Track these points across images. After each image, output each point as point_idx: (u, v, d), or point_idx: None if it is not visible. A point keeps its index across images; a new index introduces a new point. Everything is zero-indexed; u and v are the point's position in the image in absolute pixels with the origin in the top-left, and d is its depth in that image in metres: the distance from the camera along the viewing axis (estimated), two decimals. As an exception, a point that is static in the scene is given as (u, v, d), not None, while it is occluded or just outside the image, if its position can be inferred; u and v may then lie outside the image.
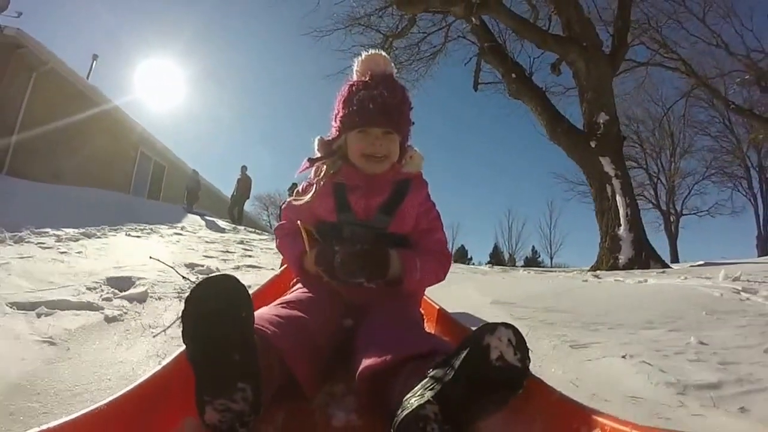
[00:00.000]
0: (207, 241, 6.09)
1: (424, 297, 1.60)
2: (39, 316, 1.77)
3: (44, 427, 0.63)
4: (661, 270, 6.22)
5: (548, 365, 1.55)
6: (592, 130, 8.44)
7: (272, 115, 69.60)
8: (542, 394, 0.87)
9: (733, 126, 18.88)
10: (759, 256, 16.71)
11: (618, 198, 7.92)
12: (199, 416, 0.79)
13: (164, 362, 0.90)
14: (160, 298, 2.34)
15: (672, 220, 23.18)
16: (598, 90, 8.59)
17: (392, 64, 1.43)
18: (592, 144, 8.22)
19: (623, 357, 1.57)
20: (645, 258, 7.58)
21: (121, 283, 2.50)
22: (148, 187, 16.47)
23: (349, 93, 1.35)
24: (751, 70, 14.21)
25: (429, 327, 1.58)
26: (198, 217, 11.43)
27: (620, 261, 7.59)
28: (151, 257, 3.20)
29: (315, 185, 1.39)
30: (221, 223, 11.44)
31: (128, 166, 15.23)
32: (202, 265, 3.63)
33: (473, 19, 9.56)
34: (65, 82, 11.71)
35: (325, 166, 1.40)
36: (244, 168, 14.64)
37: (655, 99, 19.41)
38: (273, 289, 1.62)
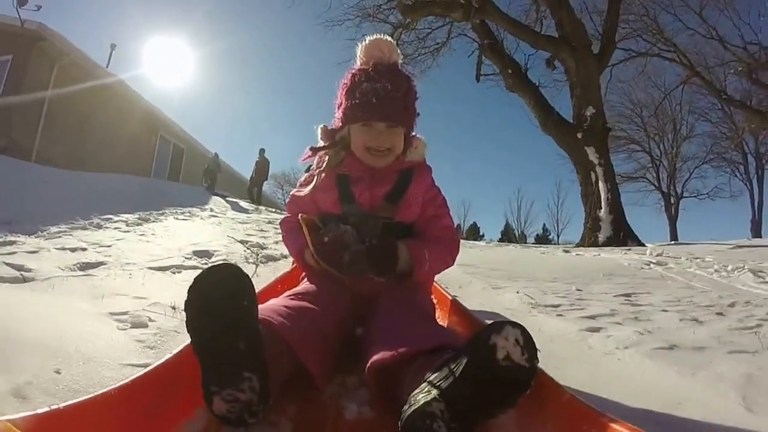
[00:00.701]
0: (239, 222, 7.22)
1: (437, 287, 1.65)
2: (173, 273, 2.85)
3: (54, 407, 0.64)
4: (628, 248, 7.29)
5: (473, 298, 2.61)
6: (579, 123, 9.42)
7: (287, 95, 70.62)
8: (553, 395, 0.87)
9: (732, 113, 19.48)
10: (753, 237, 17.57)
11: (600, 184, 8.95)
12: (207, 407, 0.80)
13: (173, 351, 0.91)
14: (236, 262, 3.45)
15: (672, 202, 24.14)
16: (586, 86, 9.52)
17: (397, 51, 1.41)
18: (579, 135, 9.22)
19: (517, 292, 2.63)
20: (623, 237, 8.64)
21: (205, 255, 3.59)
22: (168, 169, 17.22)
23: (352, 84, 1.33)
24: (743, 63, 14.86)
25: (441, 317, 1.64)
26: (220, 199, 12.58)
27: (600, 239, 8.67)
28: (228, 236, 4.32)
29: (316, 177, 1.41)
30: (243, 203, 12.57)
31: (149, 150, 16.16)
32: (251, 241, 4.67)
33: (472, 21, 10.48)
34: (86, 72, 12.38)
35: (327, 157, 1.40)
36: (262, 151, 15.86)
37: (659, 85, 20.05)
38: (284, 283, 1.64)
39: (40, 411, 0.62)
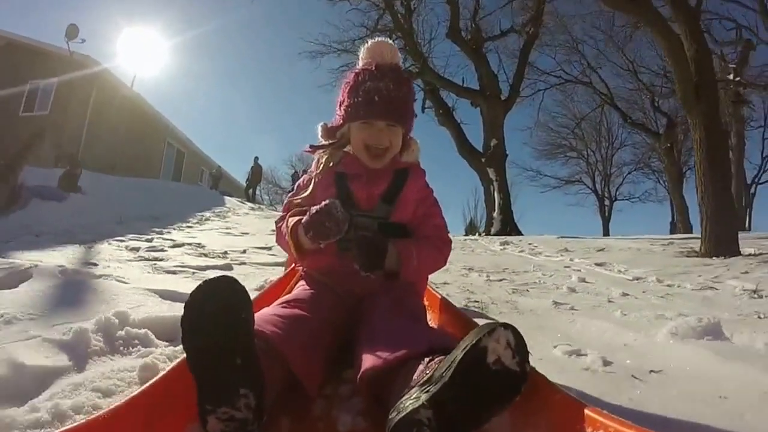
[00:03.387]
0: (264, 218, 11.10)
1: (428, 287, 1.70)
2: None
3: None
4: (507, 239, 12.20)
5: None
6: (486, 150, 14.37)
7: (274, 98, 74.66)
8: (545, 393, 0.89)
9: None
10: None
11: (495, 194, 13.87)
12: (201, 426, 0.81)
13: (166, 369, 0.94)
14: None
15: (607, 204, 28.38)
16: (492, 124, 14.39)
17: (398, 54, 1.47)
18: (483, 159, 14.21)
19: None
20: (509, 231, 13.61)
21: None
22: (173, 172, 20.54)
23: (355, 83, 1.40)
24: (648, 91, 19.60)
25: (432, 317, 1.70)
26: (232, 198, 16.68)
27: (492, 231, 13.65)
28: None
29: (313, 179, 1.47)
30: (247, 203, 16.71)
31: (158, 155, 19.51)
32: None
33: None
34: (116, 91, 15.79)
35: (324, 159, 1.47)
36: (256, 158, 20.56)
37: (590, 103, 24.69)
38: (275, 291, 1.69)
39: None
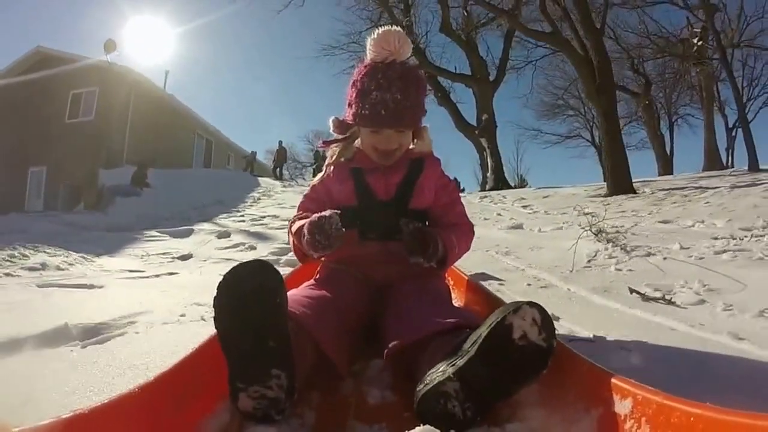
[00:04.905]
0: (300, 193, 14.41)
1: (453, 268, 1.79)
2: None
3: (78, 411, 0.69)
4: (488, 193, 15.62)
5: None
6: (478, 123, 17.61)
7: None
8: (572, 364, 0.90)
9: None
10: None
11: (489, 159, 17.16)
12: (232, 403, 0.86)
13: (194, 347, 0.97)
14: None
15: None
16: (483, 101, 17.47)
17: (407, 42, 1.43)
18: (476, 131, 17.55)
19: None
20: (501, 186, 17.01)
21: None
22: (203, 160, 22.21)
23: (362, 87, 1.39)
24: (629, 56, 21.76)
25: (458, 297, 1.75)
26: (265, 178, 19.46)
27: (487, 188, 16.95)
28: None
29: (325, 168, 1.53)
30: (277, 182, 19.74)
31: (189, 146, 21.08)
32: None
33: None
34: (151, 93, 17.29)
35: (338, 152, 1.51)
36: (280, 142, 24.23)
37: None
38: (301, 275, 1.77)
39: (62, 416, 0.67)
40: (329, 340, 1.05)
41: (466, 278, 1.81)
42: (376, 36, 1.41)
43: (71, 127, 15.83)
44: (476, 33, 18.17)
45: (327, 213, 1.27)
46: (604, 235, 3.63)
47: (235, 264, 0.91)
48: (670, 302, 1.92)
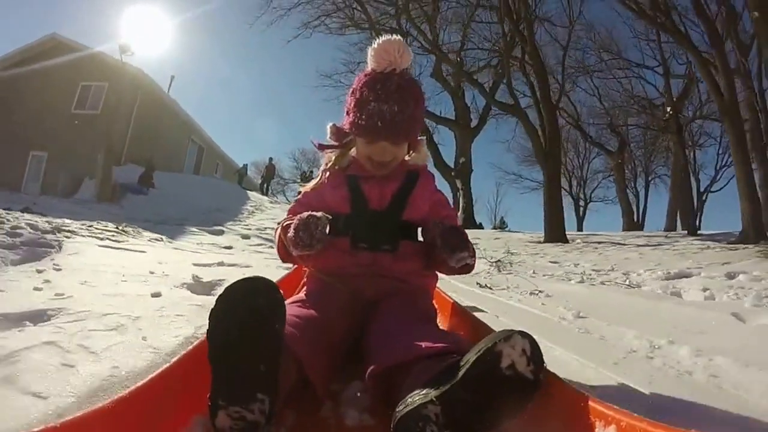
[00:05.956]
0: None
1: (438, 290, 1.76)
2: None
3: (51, 425, 0.68)
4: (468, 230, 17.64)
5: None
6: (455, 165, 19.69)
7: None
8: (556, 389, 0.91)
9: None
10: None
11: (461, 199, 19.15)
12: (210, 419, 0.83)
13: (173, 360, 0.98)
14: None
15: (581, 205, 33.03)
16: (462, 145, 19.48)
17: (408, 52, 1.44)
18: (453, 173, 19.66)
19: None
20: (468, 226, 18.94)
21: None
22: (194, 166, 22.76)
23: (361, 97, 1.41)
24: (607, 114, 22.92)
25: (442, 320, 1.73)
26: (254, 193, 20.70)
27: (457, 225, 19.02)
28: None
29: (321, 174, 1.54)
30: (264, 197, 21.13)
31: (183, 150, 21.62)
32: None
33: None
34: (156, 96, 17.97)
35: (334, 158, 1.52)
36: (270, 159, 25.90)
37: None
38: (287, 286, 1.75)
39: (34, 430, 0.66)
40: (313, 363, 1.04)
41: (451, 301, 1.83)
42: (377, 45, 1.43)
43: (77, 118, 16.44)
44: (463, 83, 20.40)
45: (318, 214, 1.29)
46: (498, 263, 5.53)
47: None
48: (490, 289, 3.77)
